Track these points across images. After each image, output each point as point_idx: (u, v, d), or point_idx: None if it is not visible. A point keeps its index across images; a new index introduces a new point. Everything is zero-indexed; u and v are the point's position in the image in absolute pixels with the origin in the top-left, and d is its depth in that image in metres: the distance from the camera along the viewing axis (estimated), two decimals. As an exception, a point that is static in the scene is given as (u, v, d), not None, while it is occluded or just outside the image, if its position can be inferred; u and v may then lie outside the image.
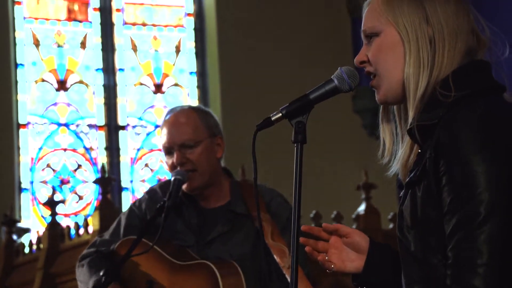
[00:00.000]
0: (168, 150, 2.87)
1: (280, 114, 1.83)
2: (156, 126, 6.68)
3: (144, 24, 6.75)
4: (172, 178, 2.81)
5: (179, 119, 2.87)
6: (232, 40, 6.65)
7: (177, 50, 6.80)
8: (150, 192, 2.90)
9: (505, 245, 1.55)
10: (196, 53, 6.79)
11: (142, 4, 6.77)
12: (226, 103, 6.60)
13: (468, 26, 1.71)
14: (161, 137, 2.91)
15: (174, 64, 6.78)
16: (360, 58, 1.79)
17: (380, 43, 1.74)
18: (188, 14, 6.83)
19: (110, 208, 4.35)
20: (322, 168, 6.15)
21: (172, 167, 2.87)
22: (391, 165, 1.77)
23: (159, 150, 6.70)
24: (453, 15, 1.70)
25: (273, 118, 1.84)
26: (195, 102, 6.76)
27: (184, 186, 2.80)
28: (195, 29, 6.81)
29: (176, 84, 6.77)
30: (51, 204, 4.82)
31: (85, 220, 4.47)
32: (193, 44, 6.80)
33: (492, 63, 1.70)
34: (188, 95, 6.78)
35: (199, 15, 6.79)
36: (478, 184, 1.56)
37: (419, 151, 1.70)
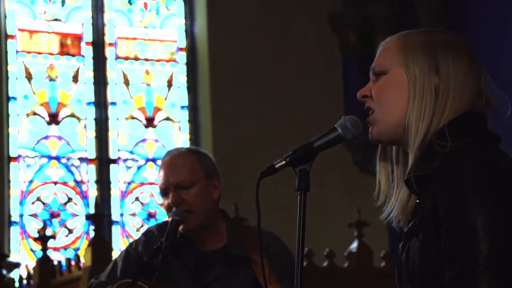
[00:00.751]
0: (164, 191, 2.88)
1: (284, 162, 1.84)
2: (147, 160, 6.69)
3: (136, 59, 6.77)
4: (170, 219, 2.81)
5: (175, 160, 2.89)
6: (224, 74, 6.69)
7: (169, 84, 6.82)
8: (147, 234, 2.89)
9: None
10: (188, 88, 6.81)
11: (134, 38, 6.80)
12: (218, 137, 6.62)
13: (477, 84, 1.72)
14: (158, 179, 2.92)
15: (166, 98, 6.80)
16: (364, 92, 1.79)
17: (386, 80, 1.75)
18: (181, 49, 6.86)
19: (103, 245, 4.34)
20: (313, 205, 6.15)
21: (168, 208, 2.88)
22: (385, 208, 1.78)
23: (150, 184, 6.70)
24: (463, 71, 1.71)
25: (277, 166, 1.85)
26: (186, 136, 6.77)
27: (180, 228, 2.80)
28: (187, 63, 6.84)
29: (167, 118, 6.79)
30: (42, 239, 4.80)
31: (77, 255, 4.46)
32: (185, 78, 6.83)
33: (493, 121, 1.72)
34: (179, 129, 6.79)
35: (191, 50, 6.83)
36: (478, 234, 1.57)
37: (417, 201, 1.71)
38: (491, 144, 1.69)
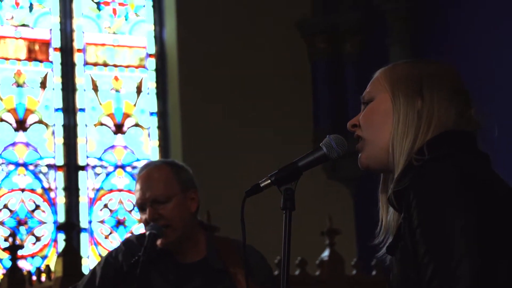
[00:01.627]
0: (141, 206, 2.88)
1: (269, 181, 1.86)
2: (116, 167, 6.65)
3: (105, 65, 6.73)
4: (147, 233, 2.80)
5: (151, 174, 2.88)
6: (193, 80, 6.67)
7: (138, 90, 6.79)
8: (126, 243, 2.88)
9: None
10: (157, 94, 6.79)
11: (103, 44, 6.76)
12: (187, 143, 6.60)
13: (461, 108, 1.76)
14: (134, 193, 2.91)
15: (135, 105, 6.77)
16: (353, 122, 1.85)
17: (372, 107, 1.81)
18: (150, 55, 6.84)
19: (74, 255, 4.30)
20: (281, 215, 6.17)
21: (146, 223, 2.87)
22: (382, 246, 1.81)
23: (119, 190, 6.66)
24: (446, 97, 1.76)
25: (262, 185, 1.87)
26: (155, 143, 6.74)
27: (158, 242, 2.79)
28: (156, 69, 6.81)
29: (137, 125, 6.75)
30: (11, 249, 4.75)
31: (47, 266, 4.42)
32: (155, 84, 6.80)
33: (480, 142, 1.76)
34: (149, 136, 6.76)
35: (160, 56, 6.81)
36: (450, 234, 1.60)
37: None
38: (465, 155, 1.71)
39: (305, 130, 6.80)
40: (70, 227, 4.40)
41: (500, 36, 5.99)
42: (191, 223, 2.85)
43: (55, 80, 6.55)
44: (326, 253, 4.73)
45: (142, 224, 6.98)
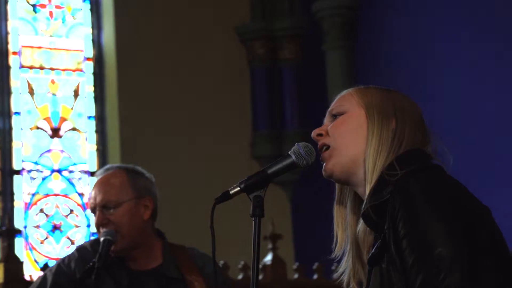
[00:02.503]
0: (92, 210, 2.87)
1: (239, 188, 1.88)
2: (53, 171, 6.57)
3: (41, 68, 6.64)
4: (102, 239, 2.79)
5: (105, 179, 2.87)
6: (132, 84, 6.64)
7: (76, 94, 6.72)
8: (80, 250, 2.86)
9: None
10: (95, 98, 6.73)
11: (40, 47, 6.67)
12: (125, 147, 6.56)
13: (425, 137, 1.86)
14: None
15: (72, 108, 6.70)
16: (318, 131, 1.88)
17: (345, 118, 1.86)
18: (88, 59, 6.77)
19: (15, 261, 4.23)
20: (227, 218, 6.19)
21: (96, 228, 2.86)
22: (339, 266, 1.86)
23: (55, 195, 6.58)
24: (415, 121, 1.86)
25: (231, 192, 1.89)
26: (93, 147, 6.68)
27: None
28: (94, 73, 6.75)
29: (74, 129, 6.68)
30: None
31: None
32: (92, 88, 6.75)
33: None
34: (86, 140, 6.69)
35: (98, 60, 6.75)
36: (436, 243, 1.65)
37: (375, 234, 1.78)
38: (436, 169, 1.81)
39: (243, 134, 6.85)
40: (11, 233, 4.33)
41: (436, 41, 6.13)
42: (143, 230, 2.83)
43: (-10, 83, 6.44)
44: (269, 257, 4.77)
45: (78, 229, 6.89)
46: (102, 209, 2.82)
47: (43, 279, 2.84)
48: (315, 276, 4.88)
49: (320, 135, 1.87)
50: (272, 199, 7.34)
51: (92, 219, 6.78)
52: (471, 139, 5.67)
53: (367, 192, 1.78)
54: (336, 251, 1.86)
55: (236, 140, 6.81)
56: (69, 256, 2.86)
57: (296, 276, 4.86)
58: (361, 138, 1.82)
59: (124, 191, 2.84)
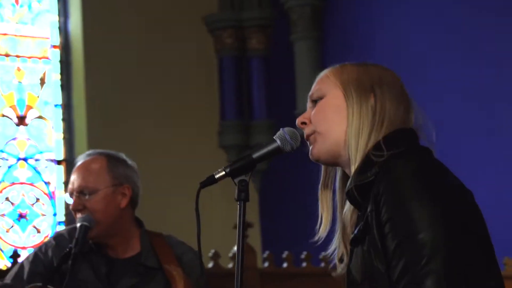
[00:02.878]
0: (70, 194, 2.85)
1: (224, 173, 1.88)
2: (19, 159, 6.50)
3: (7, 55, 6.56)
4: (78, 224, 2.77)
5: (85, 165, 2.85)
6: (99, 72, 6.59)
7: (42, 82, 6.66)
8: (57, 238, 2.83)
9: (453, 283, 1.63)
10: (62, 86, 6.67)
11: (5, 34, 6.59)
12: (92, 136, 6.52)
13: (407, 108, 1.85)
14: None
15: (38, 96, 6.63)
16: (302, 119, 1.88)
17: (324, 103, 1.85)
18: (54, 46, 6.71)
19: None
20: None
21: (73, 213, 2.84)
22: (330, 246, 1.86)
23: (21, 183, 6.51)
24: (396, 95, 1.84)
25: (216, 176, 1.89)
26: (60, 135, 6.63)
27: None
28: (60, 61, 6.69)
29: (40, 117, 6.62)
30: None
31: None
32: (59, 76, 6.68)
33: (423, 140, 1.85)
34: (52, 128, 6.64)
35: (65, 47, 6.69)
36: (420, 228, 1.66)
37: (359, 213, 1.79)
38: (423, 152, 1.81)
39: (211, 123, 6.85)
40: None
41: (405, 32, 6.18)
42: (119, 218, 2.80)
43: (-45, 70, 6.36)
44: (238, 246, 4.77)
45: (44, 218, 6.82)
46: (79, 195, 2.80)
47: (20, 268, 2.81)
48: (285, 265, 4.91)
49: (304, 123, 1.87)
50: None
51: (59, 207, 6.76)
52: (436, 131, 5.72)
53: (352, 172, 1.79)
54: (320, 233, 1.86)
55: (204, 129, 6.81)
56: (46, 244, 2.83)
57: (266, 264, 4.88)
58: (342, 119, 1.81)
59: (101, 177, 2.82)
